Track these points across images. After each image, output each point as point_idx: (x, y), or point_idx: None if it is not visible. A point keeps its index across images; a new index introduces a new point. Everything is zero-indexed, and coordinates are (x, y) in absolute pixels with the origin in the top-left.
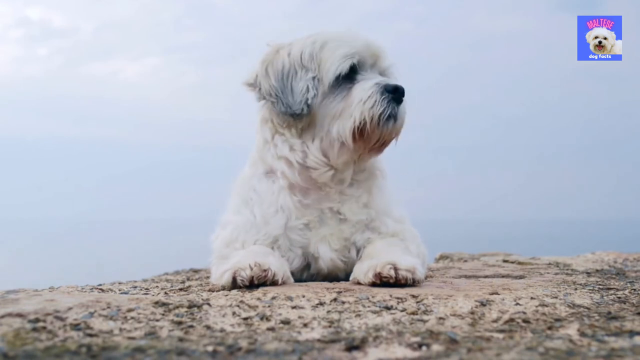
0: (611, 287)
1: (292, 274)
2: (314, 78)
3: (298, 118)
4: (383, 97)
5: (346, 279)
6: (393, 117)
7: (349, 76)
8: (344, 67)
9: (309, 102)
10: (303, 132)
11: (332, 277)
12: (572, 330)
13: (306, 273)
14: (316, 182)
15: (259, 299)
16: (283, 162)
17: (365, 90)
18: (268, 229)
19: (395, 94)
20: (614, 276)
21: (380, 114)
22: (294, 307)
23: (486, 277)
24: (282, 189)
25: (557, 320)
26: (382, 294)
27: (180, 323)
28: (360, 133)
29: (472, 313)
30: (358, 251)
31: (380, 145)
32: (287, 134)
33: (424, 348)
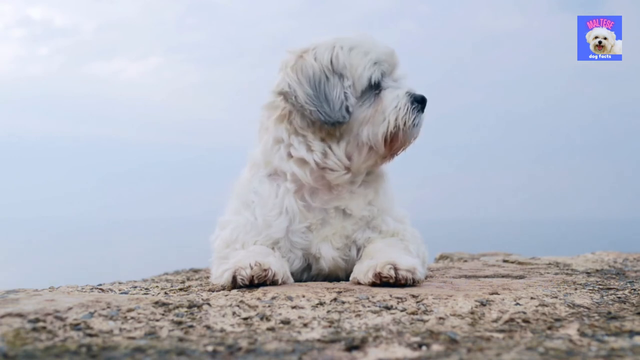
0: (611, 287)
1: (293, 275)
2: (350, 85)
3: (338, 125)
4: (413, 106)
5: (347, 279)
6: (418, 125)
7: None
8: (377, 74)
9: (350, 109)
10: (328, 135)
11: (332, 277)
12: (572, 330)
13: (307, 274)
14: (329, 183)
15: (259, 299)
16: (293, 162)
17: (399, 98)
18: (270, 231)
19: (422, 104)
20: (614, 276)
21: (412, 121)
22: (294, 307)
23: (486, 277)
24: (287, 192)
25: (557, 320)
26: (382, 294)
27: (180, 323)
28: (392, 138)
29: (472, 313)
30: (358, 250)
31: (400, 150)
32: (309, 136)
33: (424, 348)
